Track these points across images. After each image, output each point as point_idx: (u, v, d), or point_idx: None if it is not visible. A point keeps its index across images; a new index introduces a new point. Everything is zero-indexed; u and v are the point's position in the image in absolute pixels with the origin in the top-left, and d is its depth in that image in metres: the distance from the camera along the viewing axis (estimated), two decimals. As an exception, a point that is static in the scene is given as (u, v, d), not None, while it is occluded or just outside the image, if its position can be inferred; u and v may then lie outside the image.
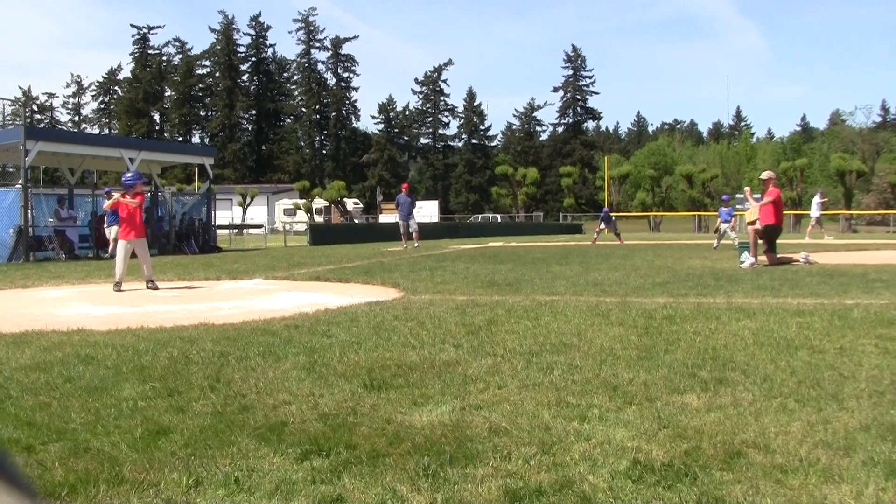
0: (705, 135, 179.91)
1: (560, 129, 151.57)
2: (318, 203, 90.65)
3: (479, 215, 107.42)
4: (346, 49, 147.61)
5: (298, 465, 4.19)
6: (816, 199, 44.45)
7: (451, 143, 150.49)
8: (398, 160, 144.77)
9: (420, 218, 41.68)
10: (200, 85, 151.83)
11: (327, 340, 8.19)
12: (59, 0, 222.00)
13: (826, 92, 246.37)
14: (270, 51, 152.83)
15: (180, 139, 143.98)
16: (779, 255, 19.16)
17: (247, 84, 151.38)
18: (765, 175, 20.21)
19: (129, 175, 16.57)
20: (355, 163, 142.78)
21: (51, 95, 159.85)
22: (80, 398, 5.76)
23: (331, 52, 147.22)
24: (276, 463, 4.24)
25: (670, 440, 4.52)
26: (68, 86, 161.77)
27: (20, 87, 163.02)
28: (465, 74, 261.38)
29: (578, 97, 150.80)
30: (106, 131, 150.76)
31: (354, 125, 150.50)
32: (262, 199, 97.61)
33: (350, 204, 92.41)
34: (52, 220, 28.66)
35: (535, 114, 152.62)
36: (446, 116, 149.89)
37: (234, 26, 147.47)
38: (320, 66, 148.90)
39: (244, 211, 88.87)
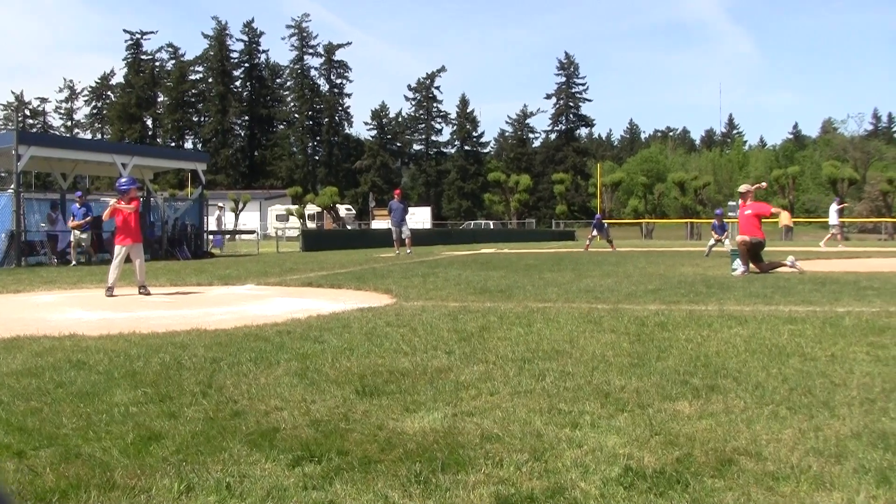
0: (698, 142, 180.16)
1: (553, 136, 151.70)
2: (311, 209, 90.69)
3: (472, 222, 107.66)
4: (339, 55, 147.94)
5: (290, 472, 4.19)
6: (834, 207, 44.16)
7: (444, 150, 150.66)
8: (391, 166, 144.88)
9: (412, 224, 41.64)
10: (193, 90, 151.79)
11: (319, 346, 8.19)
12: (52, 4, 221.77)
13: (818, 100, 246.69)
14: (263, 57, 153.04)
15: (173, 145, 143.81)
16: (767, 262, 19.18)
17: (240, 90, 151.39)
18: (742, 188, 20.30)
19: (123, 181, 16.60)
20: (348, 169, 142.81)
21: (43, 100, 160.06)
22: (72, 403, 5.75)
23: (324, 58, 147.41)
24: (268, 469, 4.23)
25: (662, 447, 4.53)
26: (61, 90, 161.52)
27: (12, 92, 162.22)
28: (458, 81, 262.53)
29: (571, 104, 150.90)
30: (98, 136, 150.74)
31: (347, 131, 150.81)
32: (254, 204, 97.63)
33: (342, 210, 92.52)
34: (44, 224, 28.62)
35: (527, 121, 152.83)
36: (439, 123, 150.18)
37: (227, 32, 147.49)
38: (313, 73, 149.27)
39: (237, 217, 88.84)
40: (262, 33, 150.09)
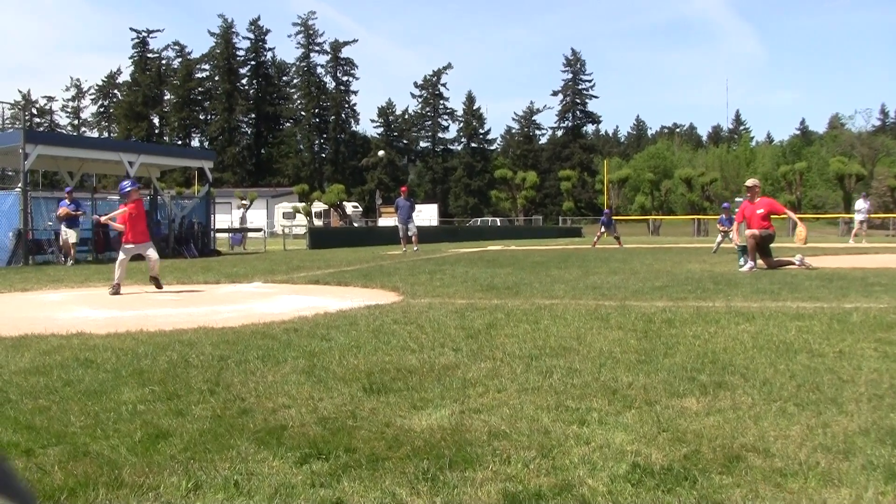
0: (705, 138, 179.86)
1: (559, 133, 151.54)
2: (318, 207, 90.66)
3: (479, 219, 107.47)
4: (345, 53, 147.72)
5: (298, 469, 4.19)
6: (863, 204, 43.74)
7: (451, 147, 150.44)
8: (397, 164, 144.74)
9: (419, 221, 41.64)
10: (200, 88, 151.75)
11: (326, 344, 8.19)
12: (58, 4, 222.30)
13: (825, 96, 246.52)
14: (270, 54, 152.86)
15: (179, 143, 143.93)
16: (775, 259, 19.14)
17: (246, 88, 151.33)
18: (749, 182, 20.22)
19: (124, 184, 16.75)
20: (354, 166, 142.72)
21: (50, 99, 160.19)
22: (80, 402, 5.75)
23: (330, 55, 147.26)
24: (276, 466, 4.23)
25: (670, 444, 4.52)
26: (67, 89, 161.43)
27: (19, 91, 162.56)
28: (465, 78, 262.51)
29: (578, 101, 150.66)
30: (105, 135, 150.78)
31: (354, 129, 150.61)
32: (261, 202, 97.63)
33: (349, 207, 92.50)
34: (51, 223, 28.63)
35: (534, 117, 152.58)
36: (445, 120, 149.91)
37: (233, 30, 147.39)
38: (319, 70, 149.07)
39: (243, 214, 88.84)
40: (268, 31, 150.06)
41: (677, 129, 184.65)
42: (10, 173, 51.60)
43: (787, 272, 17.71)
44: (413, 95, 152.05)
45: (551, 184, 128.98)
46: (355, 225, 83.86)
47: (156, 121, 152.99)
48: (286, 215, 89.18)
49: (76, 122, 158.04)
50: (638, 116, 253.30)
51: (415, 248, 33.21)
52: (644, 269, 19.50)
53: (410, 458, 4.31)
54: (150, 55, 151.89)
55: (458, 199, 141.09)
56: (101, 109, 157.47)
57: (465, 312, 10.68)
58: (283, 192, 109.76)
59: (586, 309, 10.93)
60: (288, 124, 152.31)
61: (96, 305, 13.25)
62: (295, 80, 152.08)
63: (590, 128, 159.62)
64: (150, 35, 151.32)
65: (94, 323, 10.39)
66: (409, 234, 33.49)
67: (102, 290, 15.74)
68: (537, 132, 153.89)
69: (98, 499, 3.82)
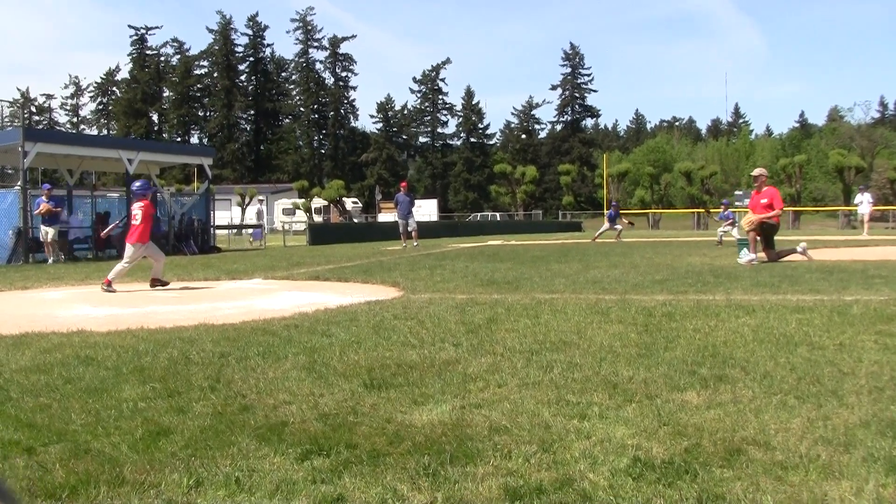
0: (704, 132, 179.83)
1: (558, 127, 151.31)
2: (317, 203, 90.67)
3: (479, 214, 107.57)
4: (343, 48, 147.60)
5: (299, 465, 4.20)
6: (867, 197, 43.98)
7: (450, 142, 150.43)
8: (397, 159, 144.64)
9: (419, 217, 41.66)
10: (198, 85, 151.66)
11: (327, 340, 8.20)
12: (56, 1, 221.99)
13: (824, 88, 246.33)
14: (268, 51, 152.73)
15: (179, 140, 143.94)
16: (777, 251, 19.15)
17: (245, 84, 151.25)
18: (756, 171, 20.22)
19: (136, 185, 16.83)
20: (354, 162, 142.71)
21: (49, 97, 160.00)
22: (81, 399, 5.76)
23: (329, 51, 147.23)
24: (277, 463, 4.24)
25: (670, 438, 4.53)
26: (66, 87, 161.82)
27: (18, 89, 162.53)
28: (464, 73, 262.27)
29: (577, 95, 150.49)
30: (104, 132, 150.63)
31: (353, 124, 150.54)
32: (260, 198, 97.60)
33: (349, 203, 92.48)
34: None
35: (533, 112, 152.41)
36: (445, 115, 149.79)
37: (231, 26, 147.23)
38: (318, 66, 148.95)
39: (243, 211, 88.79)
40: (266, 27, 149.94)
41: (676, 123, 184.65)
42: (9, 171, 51.62)
43: (787, 265, 17.71)
44: (412, 90, 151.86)
45: (551, 178, 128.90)
46: (355, 221, 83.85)
47: (155, 118, 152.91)
48: (286, 211, 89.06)
49: (75, 119, 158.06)
50: (637, 110, 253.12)
51: (414, 244, 33.20)
52: (644, 263, 19.50)
53: (411, 454, 4.32)
54: (148, 52, 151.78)
55: (457, 195, 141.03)
56: (100, 107, 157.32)
57: (466, 307, 10.69)
58: (283, 188, 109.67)
59: (586, 303, 10.93)
60: (287, 120, 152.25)
61: (97, 303, 13.25)
62: (294, 76, 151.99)
63: (589, 122, 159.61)
64: (149, 32, 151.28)
65: (95, 320, 10.40)
66: (409, 229, 33.48)
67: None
68: (536, 127, 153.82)
69: (99, 496, 3.83)
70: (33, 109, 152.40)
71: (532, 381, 6.07)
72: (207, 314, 10.81)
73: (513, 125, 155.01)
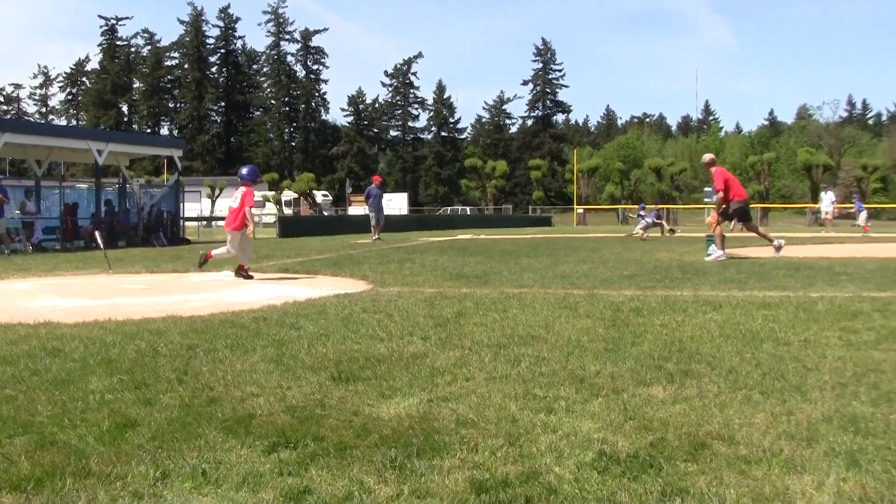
0: (674, 128, 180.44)
1: (529, 122, 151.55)
2: (288, 195, 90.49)
3: (449, 208, 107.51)
4: (315, 41, 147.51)
5: (266, 458, 4.20)
6: (831, 197, 44.53)
7: (421, 136, 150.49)
8: (367, 153, 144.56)
9: (389, 210, 41.57)
10: (169, 77, 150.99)
11: (295, 333, 8.20)
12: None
13: (794, 87, 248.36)
14: (240, 43, 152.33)
15: (149, 131, 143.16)
16: (760, 228, 19.19)
17: (216, 76, 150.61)
18: (706, 158, 20.42)
19: (245, 170, 16.49)
20: (324, 155, 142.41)
21: (17, 86, 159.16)
22: (47, 391, 5.73)
23: (300, 44, 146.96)
24: (244, 455, 4.24)
25: (636, 432, 4.56)
26: (35, 76, 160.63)
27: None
28: (435, 67, 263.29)
29: (548, 90, 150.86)
30: (74, 123, 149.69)
31: (324, 117, 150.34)
32: (230, 191, 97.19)
33: (319, 196, 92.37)
34: (18, 212, 28.43)
35: (504, 107, 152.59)
36: (416, 109, 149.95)
37: (203, 18, 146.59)
38: (290, 59, 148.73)
39: (213, 203, 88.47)
40: (238, 19, 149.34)
41: (647, 119, 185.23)
42: (-23, 162, 51.18)
43: (754, 262, 17.81)
44: (383, 84, 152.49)
45: (521, 173, 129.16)
46: (325, 213, 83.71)
47: (125, 109, 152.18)
48: (255, 204, 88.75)
49: (44, 109, 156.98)
50: (608, 106, 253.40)
51: (376, 237, 33.12)
52: (613, 259, 19.57)
53: (378, 447, 4.33)
54: (118, 43, 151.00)
55: (428, 188, 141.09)
56: (70, 97, 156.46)
57: (434, 301, 10.70)
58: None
59: (555, 298, 10.97)
60: (258, 113, 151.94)
61: (64, 294, 13.17)
62: (265, 69, 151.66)
63: (560, 117, 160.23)
64: (119, 22, 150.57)
65: (62, 312, 10.34)
66: (380, 222, 33.50)
67: (70, 279, 15.67)
68: (507, 121, 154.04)
69: (65, 488, 3.82)
70: (1, 99, 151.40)
71: (499, 374, 6.09)
72: (176, 306, 10.77)
73: (484, 120, 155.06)
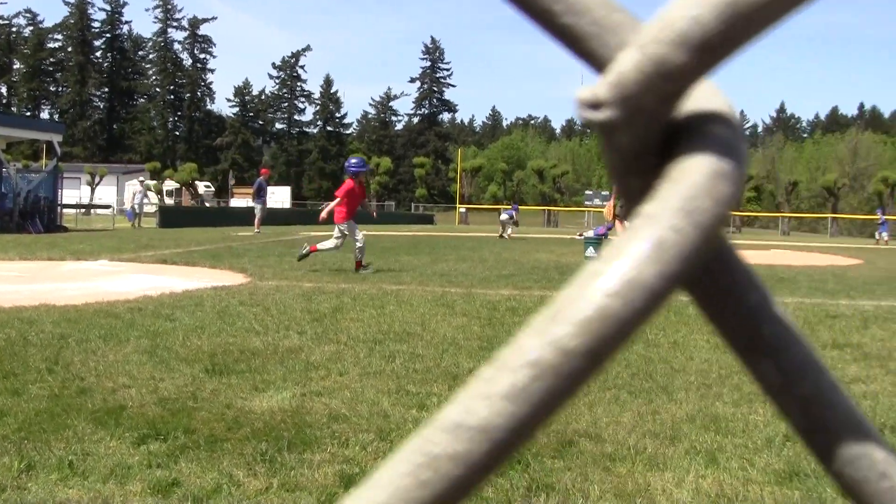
0: (558, 131, 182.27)
1: (415, 120, 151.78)
2: (169, 185, 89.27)
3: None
4: (203, 30, 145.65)
5: (135, 450, 4.18)
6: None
7: (306, 130, 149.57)
8: (252, 145, 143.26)
9: (272, 204, 41.33)
10: (51, 59, 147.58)
11: (170, 324, 8.14)
12: None
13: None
14: (126, 28, 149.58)
15: (28, 114, 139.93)
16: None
17: (100, 61, 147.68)
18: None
19: (352, 161, 16.96)
20: (208, 146, 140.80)
21: None
22: (-89, 378, 5.62)
23: (188, 32, 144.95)
24: (113, 447, 4.22)
25: (505, 429, 4.63)
26: None
27: None
28: (324, 61, 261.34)
29: (435, 89, 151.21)
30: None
31: (209, 107, 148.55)
32: (111, 178, 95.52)
33: (201, 187, 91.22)
34: None
35: (391, 103, 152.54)
36: (302, 102, 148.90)
37: (88, 1, 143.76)
38: (176, 46, 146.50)
39: (92, 190, 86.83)
40: (125, 3, 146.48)
41: (532, 121, 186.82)
42: None
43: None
44: (270, 76, 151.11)
45: (405, 170, 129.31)
46: (207, 205, 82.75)
47: (3, 90, 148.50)
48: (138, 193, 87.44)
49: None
50: (494, 107, 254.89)
51: (256, 231, 33.02)
52: (492, 258, 19.74)
53: (249, 440, 4.35)
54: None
55: (311, 182, 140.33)
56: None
57: (312, 296, 10.71)
58: (135, 168, 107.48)
59: (433, 295, 11.05)
60: (142, 100, 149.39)
61: (-67, 280, 12.87)
62: (151, 56, 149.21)
63: (446, 116, 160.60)
64: (0, 1, 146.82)
65: (-70, 298, 10.11)
66: (263, 214, 33.46)
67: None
68: (393, 118, 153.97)
69: (-74, 477, 3.76)
70: None
71: (374, 370, 6.14)
72: (49, 295, 10.58)
73: (370, 116, 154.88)
